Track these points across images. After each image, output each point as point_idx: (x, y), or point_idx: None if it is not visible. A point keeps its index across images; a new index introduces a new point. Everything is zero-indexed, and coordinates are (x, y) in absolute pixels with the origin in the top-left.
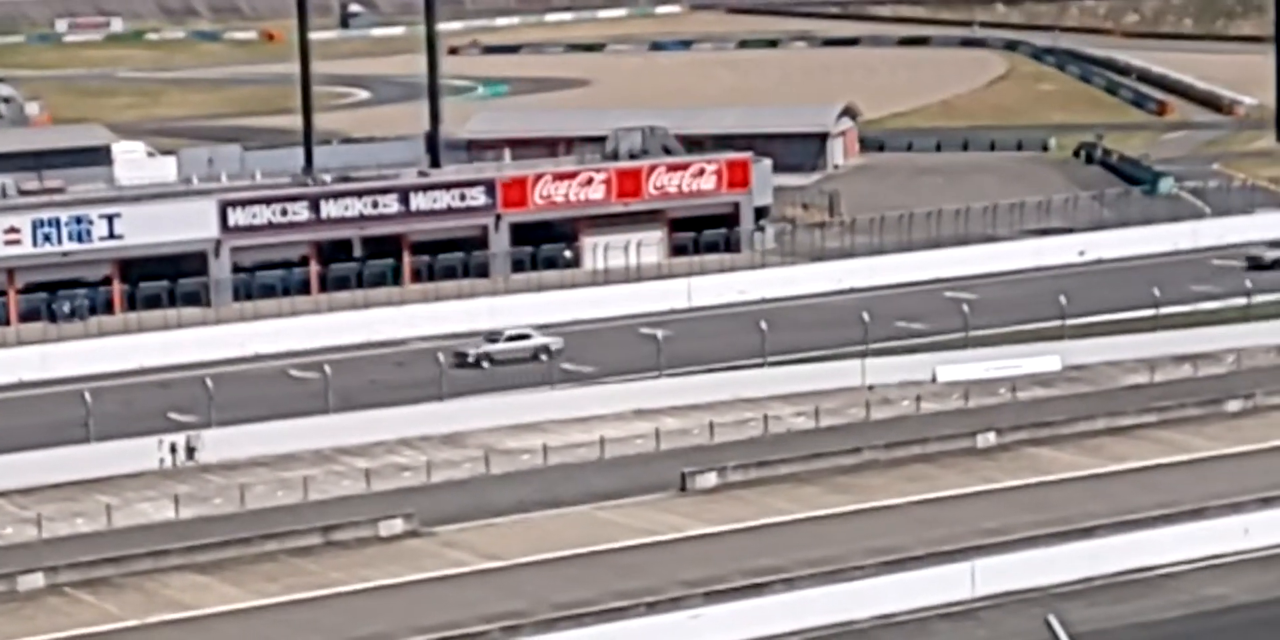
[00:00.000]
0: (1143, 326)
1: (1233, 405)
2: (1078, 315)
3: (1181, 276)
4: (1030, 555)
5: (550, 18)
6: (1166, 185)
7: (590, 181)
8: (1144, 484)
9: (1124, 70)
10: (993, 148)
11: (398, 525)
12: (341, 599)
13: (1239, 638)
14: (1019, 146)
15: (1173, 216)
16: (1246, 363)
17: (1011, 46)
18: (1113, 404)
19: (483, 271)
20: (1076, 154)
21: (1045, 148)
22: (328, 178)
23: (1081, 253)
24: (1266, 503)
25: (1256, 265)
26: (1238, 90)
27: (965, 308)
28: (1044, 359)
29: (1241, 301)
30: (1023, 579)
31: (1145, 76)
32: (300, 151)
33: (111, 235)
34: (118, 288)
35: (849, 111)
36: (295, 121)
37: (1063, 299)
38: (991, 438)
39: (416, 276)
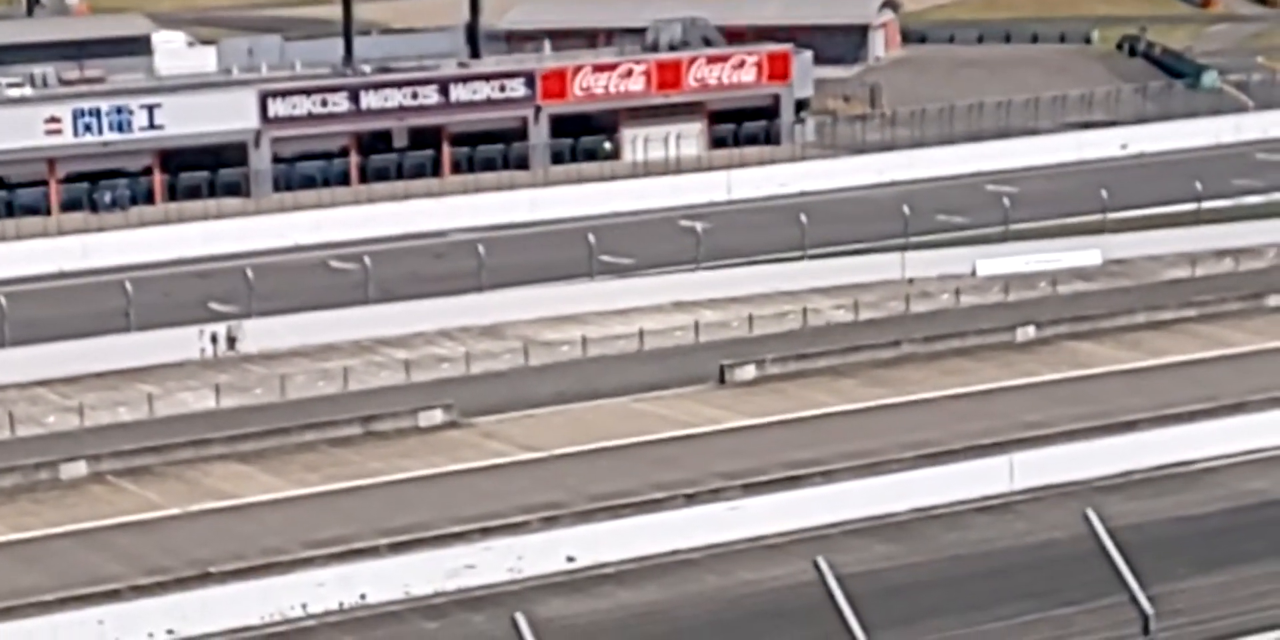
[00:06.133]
0: (1184, 220)
1: (1274, 300)
2: (1119, 209)
3: (1224, 170)
4: (1068, 449)
5: None
6: (1210, 79)
7: (630, 73)
8: (1184, 378)
9: None
10: (1035, 40)
11: (437, 416)
12: (381, 489)
13: (1277, 532)
14: (1062, 39)
15: (1215, 110)
16: None
17: None
18: (1153, 298)
19: (522, 163)
20: (1119, 47)
21: (1088, 40)
22: (367, 68)
23: (1124, 146)
24: None
25: None
26: None
27: (1006, 201)
28: (1084, 253)
29: None
30: (1061, 473)
31: None
32: (340, 42)
33: (152, 125)
34: (158, 178)
35: (890, 3)
36: (335, 12)
37: (1104, 193)
38: (1031, 331)
39: (456, 168)
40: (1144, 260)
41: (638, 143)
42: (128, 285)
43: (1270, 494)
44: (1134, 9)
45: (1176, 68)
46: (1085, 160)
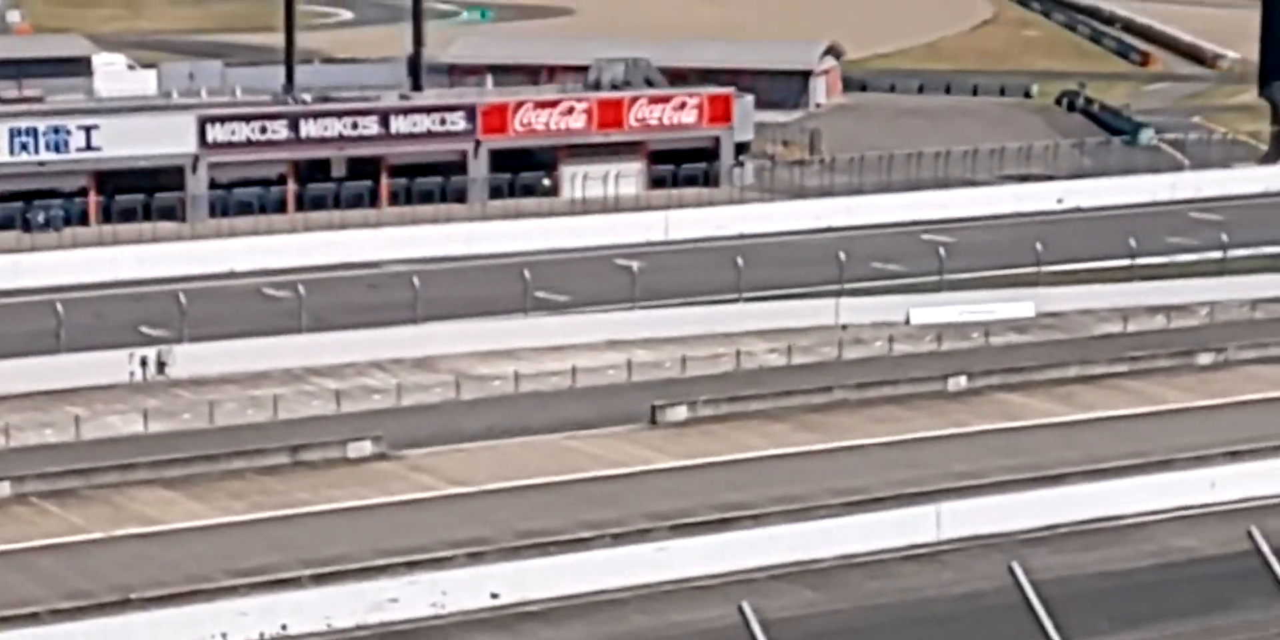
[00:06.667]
0: (1118, 276)
1: (1204, 358)
2: (1054, 262)
3: (1159, 228)
4: (996, 500)
5: None
6: (1147, 136)
7: (571, 111)
8: (1113, 433)
9: (1109, 19)
10: (975, 92)
11: (366, 447)
12: (307, 519)
13: (1204, 589)
14: (1002, 92)
15: (1152, 168)
16: (1220, 316)
17: None
18: (1085, 352)
19: (460, 197)
20: (1059, 101)
21: (1028, 94)
22: (308, 97)
23: (1060, 200)
24: (1234, 457)
25: None
26: (1221, 44)
27: (942, 251)
28: (1018, 305)
29: (1217, 255)
30: (988, 524)
31: (1130, 26)
32: (281, 70)
33: (89, 146)
34: (93, 199)
35: (833, 50)
36: (277, 39)
37: (1039, 246)
38: (963, 381)
39: (394, 199)
40: (1077, 314)
41: (577, 180)
42: (59, 306)
43: (1196, 551)
44: (1074, 65)
45: (1114, 124)
46: (1022, 213)
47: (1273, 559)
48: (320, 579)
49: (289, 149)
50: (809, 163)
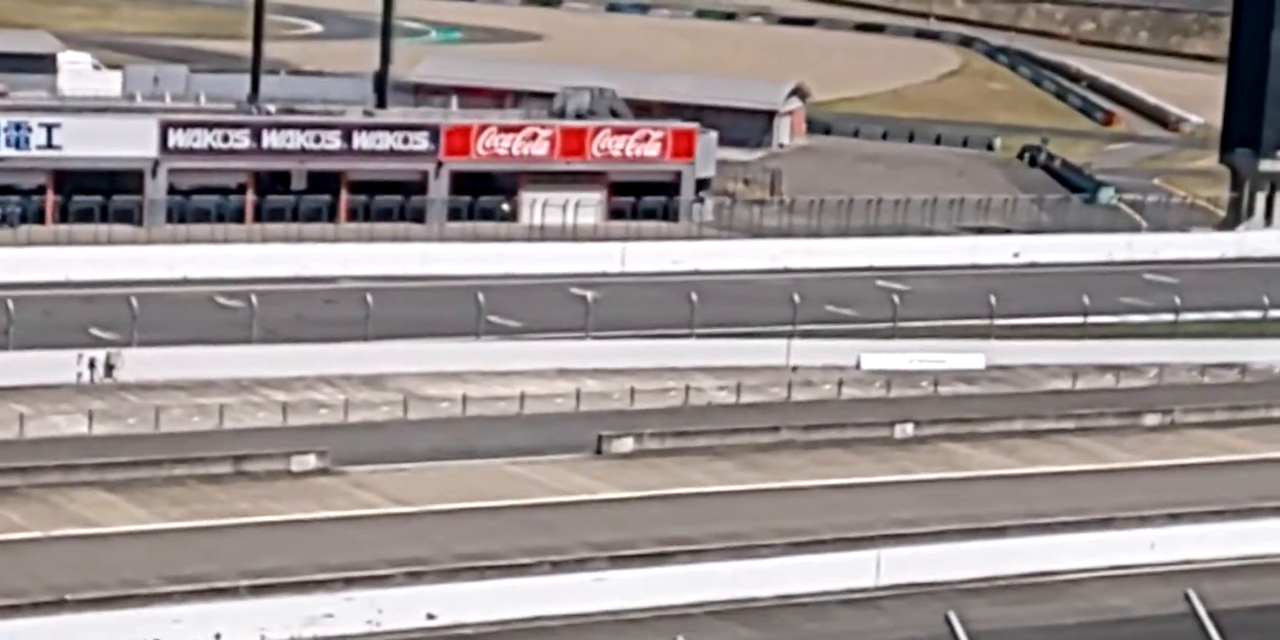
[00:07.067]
0: (1069, 333)
1: (1151, 419)
2: (1006, 316)
3: (1112, 287)
4: (936, 549)
5: None
6: (1106, 195)
7: (535, 137)
8: (1056, 489)
9: (1075, 77)
10: (938, 142)
11: (310, 461)
12: (246, 529)
13: None
14: (964, 143)
15: (1109, 227)
16: (1168, 378)
17: (966, 42)
18: (1033, 407)
19: (419, 217)
20: (1020, 156)
21: (990, 147)
22: (272, 108)
23: (1016, 254)
24: (1174, 519)
25: None
26: (1185, 108)
27: (896, 298)
28: (969, 356)
29: (1169, 317)
30: (927, 572)
31: (1095, 85)
32: (247, 79)
33: (50, 145)
34: (51, 198)
35: (799, 91)
36: (244, 48)
37: (993, 298)
38: (909, 429)
39: (352, 215)
40: (1027, 368)
41: (536, 207)
42: (10, 303)
43: (1130, 611)
44: (1038, 120)
45: (1075, 182)
46: (977, 265)
47: (1209, 623)
48: (257, 590)
49: (250, 159)
50: (769, 202)
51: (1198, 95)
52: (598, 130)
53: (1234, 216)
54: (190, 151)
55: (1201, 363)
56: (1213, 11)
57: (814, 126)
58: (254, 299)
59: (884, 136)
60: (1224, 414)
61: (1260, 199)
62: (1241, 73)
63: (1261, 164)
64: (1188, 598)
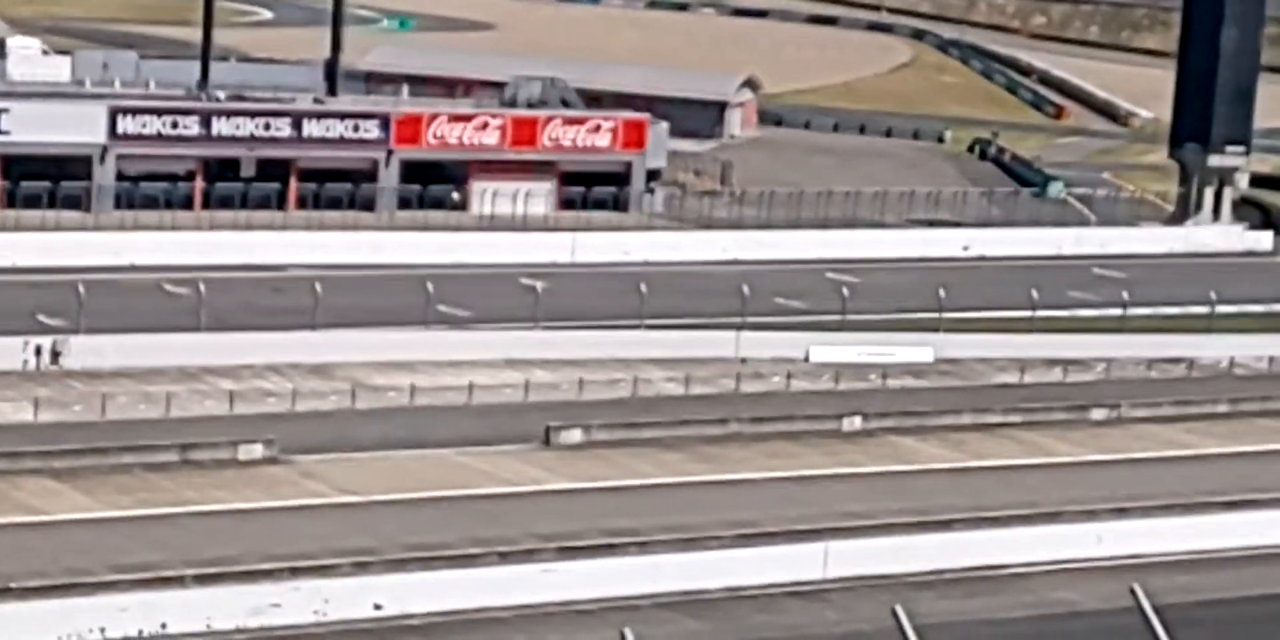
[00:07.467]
0: (1018, 327)
1: (1098, 413)
2: (955, 309)
3: (1061, 281)
4: (884, 542)
5: None
6: (1056, 189)
7: (486, 126)
8: (1003, 482)
9: (1026, 70)
10: (889, 134)
11: (257, 450)
12: (193, 519)
13: None
14: (915, 136)
15: (1059, 221)
16: (1116, 373)
17: (918, 35)
18: (980, 400)
19: (368, 205)
20: (971, 149)
21: (941, 140)
22: (222, 95)
23: (966, 248)
24: (1121, 512)
25: None
26: (1135, 102)
27: (845, 291)
28: (918, 349)
29: (1117, 312)
30: (875, 565)
31: (1046, 79)
32: (196, 66)
33: None
34: None
35: (750, 83)
36: (194, 34)
37: (942, 292)
38: (858, 422)
39: (301, 203)
40: (975, 362)
41: (486, 196)
42: None
43: (1077, 605)
44: (988, 113)
45: (1025, 175)
46: (927, 258)
47: (1153, 617)
48: (203, 579)
49: (199, 146)
50: (719, 194)
51: (1147, 90)
52: (549, 120)
53: (1182, 211)
54: (139, 138)
55: (1149, 357)
56: (1163, 6)
57: (765, 118)
58: (202, 286)
59: (835, 128)
60: (1171, 409)
61: (1208, 194)
62: (1191, 68)
63: (1210, 159)
64: (1133, 592)
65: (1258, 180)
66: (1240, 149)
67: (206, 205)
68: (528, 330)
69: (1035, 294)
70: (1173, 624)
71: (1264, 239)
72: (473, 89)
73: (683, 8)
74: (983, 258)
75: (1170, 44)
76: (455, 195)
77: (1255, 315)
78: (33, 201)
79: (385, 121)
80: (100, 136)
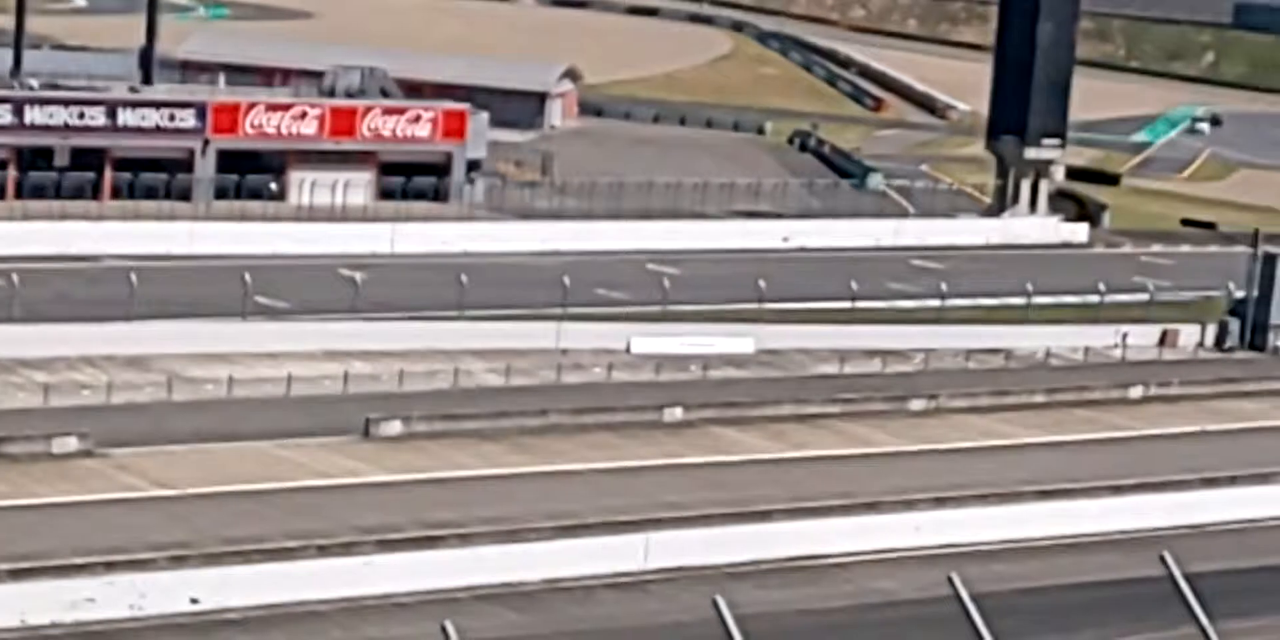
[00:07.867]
0: (838, 318)
1: (916, 404)
2: (775, 300)
3: (880, 272)
4: (704, 533)
5: None
6: (875, 181)
7: (304, 115)
8: (822, 473)
9: (845, 63)
10: (709, 125)
11: (71, 443)
12: (5, 512)
13: (901, 632)
14: (736, 127)
15: (878, 213)
16: (934, 364)
17: (738, 27)
18: (800, 391)
19: (185, 195)
20: (791, 141)
21: (761, 131)
22: (35, 83)
23: (786, 239)
24: (939, 502)
25: None
26: (953, 95)
27: (666, 282)
28: (738, 340)
29: (935, 303)
30: (695, 556)
31: (865, 71)
32: (9, 53)
33: None
34: None
35: (571, 74)
36: (7, 21)
37: (762, 283)
38: (678, 413)
39: (116, 193)
40: (795, 353)
41: (305, 186)
42: None
43: (895, 594)
44: (808, 104)
45: (844, 167)
46: (748, 249)
47: (971, 605)
48: (16, 574)
49: (12, 134)
50: (540, 184)
51: (965, 83)
52: (368, 110)
53: (999, 203)
54: None
55: (966, 348)
56: (980, 0)
57: (586, 109)
58: (15, 277)
59: (656, 119)
60: (988, 399)
61: (1025, 186)
62: (1009, 61)
63: (1027, 151)
64: (951, 581)
65: (1073, 173)
66: (1056, 142)
67: (20, 195)
68: (347, 321)
69: (854, 285)
70: (990, 612)
71: (1079, 231)
72: (291, 78)
73: None
74: (803, 249)
75: (988, 37)
76: (273, 185)
77: (1071, 306)
78: None
79: (202, 111)
80: None
